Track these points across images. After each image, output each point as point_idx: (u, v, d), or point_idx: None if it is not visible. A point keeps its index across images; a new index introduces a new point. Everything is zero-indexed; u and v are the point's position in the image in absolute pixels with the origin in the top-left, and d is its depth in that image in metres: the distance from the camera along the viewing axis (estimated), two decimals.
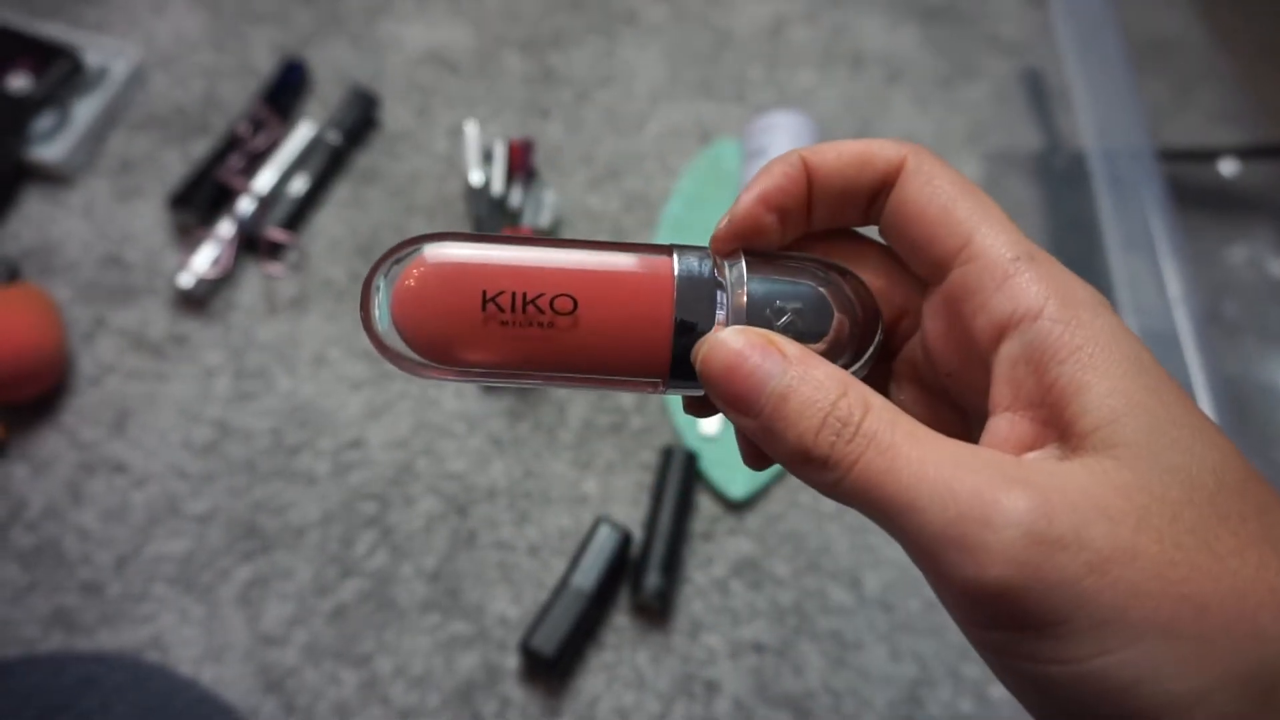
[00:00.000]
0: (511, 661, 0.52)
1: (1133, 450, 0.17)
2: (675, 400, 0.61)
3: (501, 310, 0.21)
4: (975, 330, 0.20)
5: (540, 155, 0.71)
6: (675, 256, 0.22)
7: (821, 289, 0.22)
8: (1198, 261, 0.72)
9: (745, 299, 0.22)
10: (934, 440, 0.18)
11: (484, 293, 0.21)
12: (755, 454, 0.23)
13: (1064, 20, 0.59)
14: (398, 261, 0.22)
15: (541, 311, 0.21)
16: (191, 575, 0.53)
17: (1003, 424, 0.19)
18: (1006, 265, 0.20)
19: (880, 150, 0.22)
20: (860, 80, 0.79)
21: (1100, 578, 0.17)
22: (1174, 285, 0.44)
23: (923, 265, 0.22)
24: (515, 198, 0.64)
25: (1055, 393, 0.18)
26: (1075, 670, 0.17)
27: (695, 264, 0.22)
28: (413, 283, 0.21)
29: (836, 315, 0.22)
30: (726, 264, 0.23)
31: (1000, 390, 0.20)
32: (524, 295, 0.21)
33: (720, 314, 0.22)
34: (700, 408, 0.24)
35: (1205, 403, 0.41)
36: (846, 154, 0.22)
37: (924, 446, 0.18)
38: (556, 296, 0.21)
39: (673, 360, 0.22)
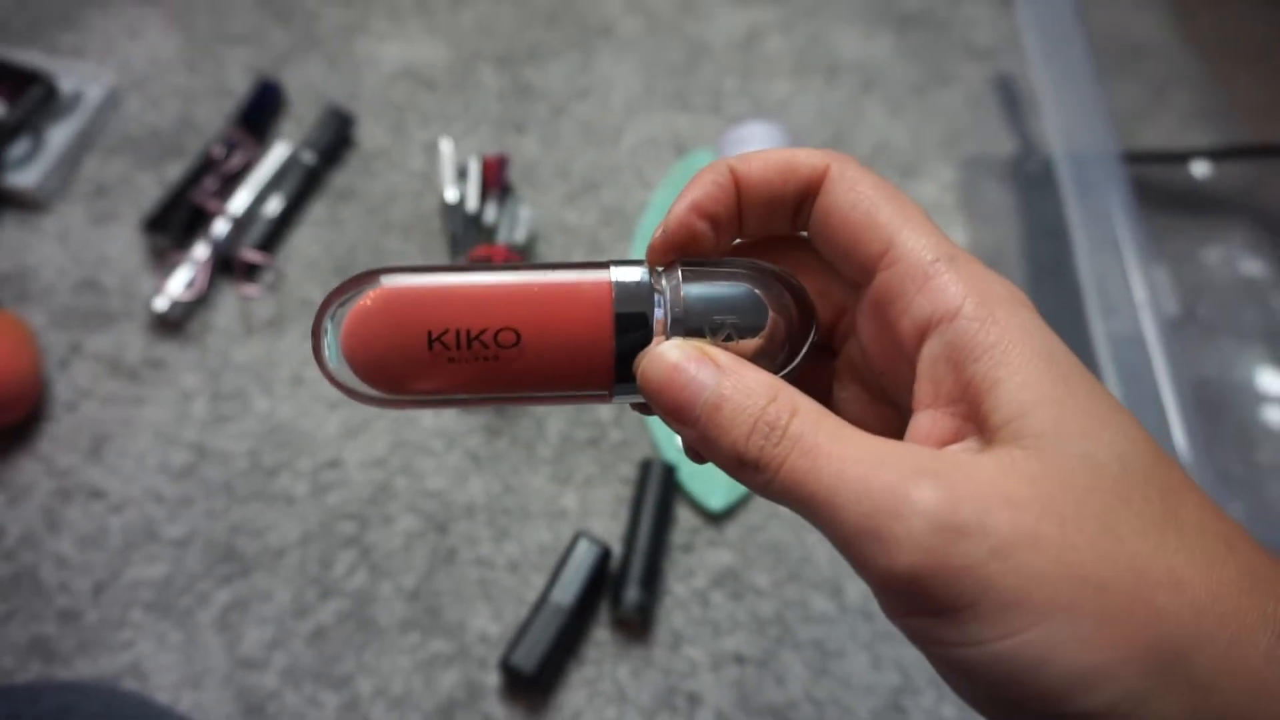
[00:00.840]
0: (492, 679, 0.52)
1: (1041, 441, 0.18)
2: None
3: (447, 348, 0.22)
4: (900, 332, 0.21)
5: (516, 170, 0.71)
6: (612, 271, 0.23)
7: (756, 290, 0.23)
8: (1172, 263, 0.72)
9: (682, 307, 0.23)
10: (856, 439, 0.19)
11: (429, 333, 0.22)
12: (696, 451, 0.24)
13: (1030, 26, 0.59)
14: (343, 304, 0.23)
15: (486, 346, 0.22)
16: (169, 600, 0.53)
17: (925, 420, 0.20)
18: (927, 267, 0.20)
19: (805, 159, 0.22)
20: (835, 89, 0.80)
21: (1003, 562, 0.17)
22: (1141, 288, 0.45)
23: (850, 269, 0.23)
24: (490, 214, 0.64)
25: (972, 389, 0.19)
26: (986, 652, 0.17)
27: (633, 276, 0.23)
28: (359, 325, 0.22)
29: (771, 315, 0.23)
30: (663, 274, 0.23)
31: (923, 388, 0.20)
32: (468, 332, 0.22)
33: (658, 320, 0.23)
34: (649, 408, 0.25)
35: (1172, 404, 0.41)
36: (771, 162, 0.23)
37: (845, 445, 0.19)
38: (500, 330, 0.23)
39: (616, 371, 0.23)
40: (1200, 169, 0.77)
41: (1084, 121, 0.53)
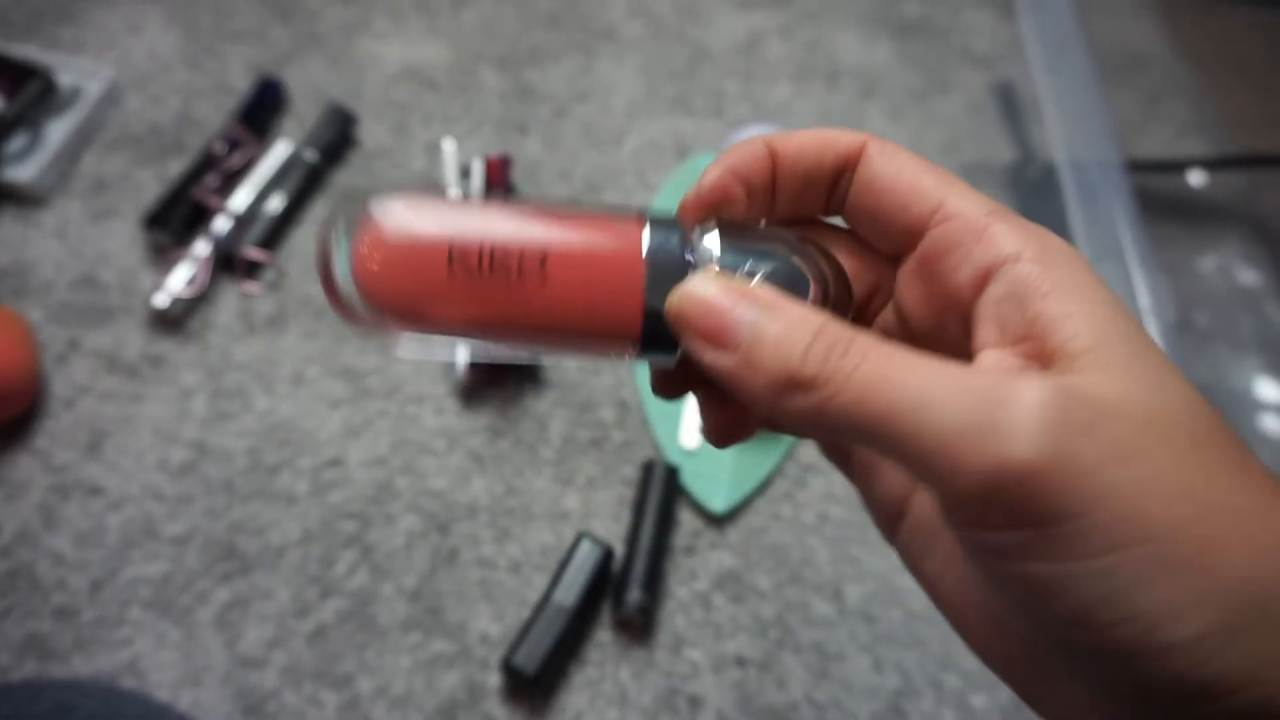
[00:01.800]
0: (494, 680, 0.52)
1: (1122, 371, 0.17)
2: (656, 414, 0.61)
3: (468, 266, 0.20)
4: (956, 283, 0.20)
5: (518, 171, 0.71)
6: (647, 222, 0.22)
7: (795, 259, 0.22)
8: (1169, 271, 0.73)
9: (717, 266, 0.21)
10: (930, 356, 0.18)
11: (450, 248, 0.20)
12: (670, 383, 0.23)
13: (1033, 34, 0.60)
14: (357, 215, 0.21)
15: (509, 268, 0.20)
16: (168, 598, 0.53)
17: (990, 358, 0.19)
18: (982, 219, 0.20)
19: (841, 135, 0.22)
20: (836, 94, 0.80)
21: (1122, 470, 0.16)
22: (1144, 295, 0.45)
23: (894, 235, 0.22)
24: None
25: (1040, 324, 0.18)
26: (1085, 568, 0.16)
27: (667, 230, 0.22)
28: (375, 236, 0.20)
29: (812, 284, 0.21)
30: (698, 231, 0.22)
31: (986, 330, 0.20)
32: (491, 251, 0.20)
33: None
34: (668, 385, 0.23)
35: None
36: (809, 137, 0.23)
37: (922, 357, 0.18)
38: (525, 251, 0.21)
39: (644, 323, 0.21)
40: (1196, 178, 0.78)
41: (1086, 129, 0.53)
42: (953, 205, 0.21)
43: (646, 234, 0.21)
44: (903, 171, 0.22)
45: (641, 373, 0.62)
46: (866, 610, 0.56)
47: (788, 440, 0.61)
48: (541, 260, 0.21)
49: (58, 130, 0.67)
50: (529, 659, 0.50)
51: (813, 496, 0.60)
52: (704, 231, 0.22)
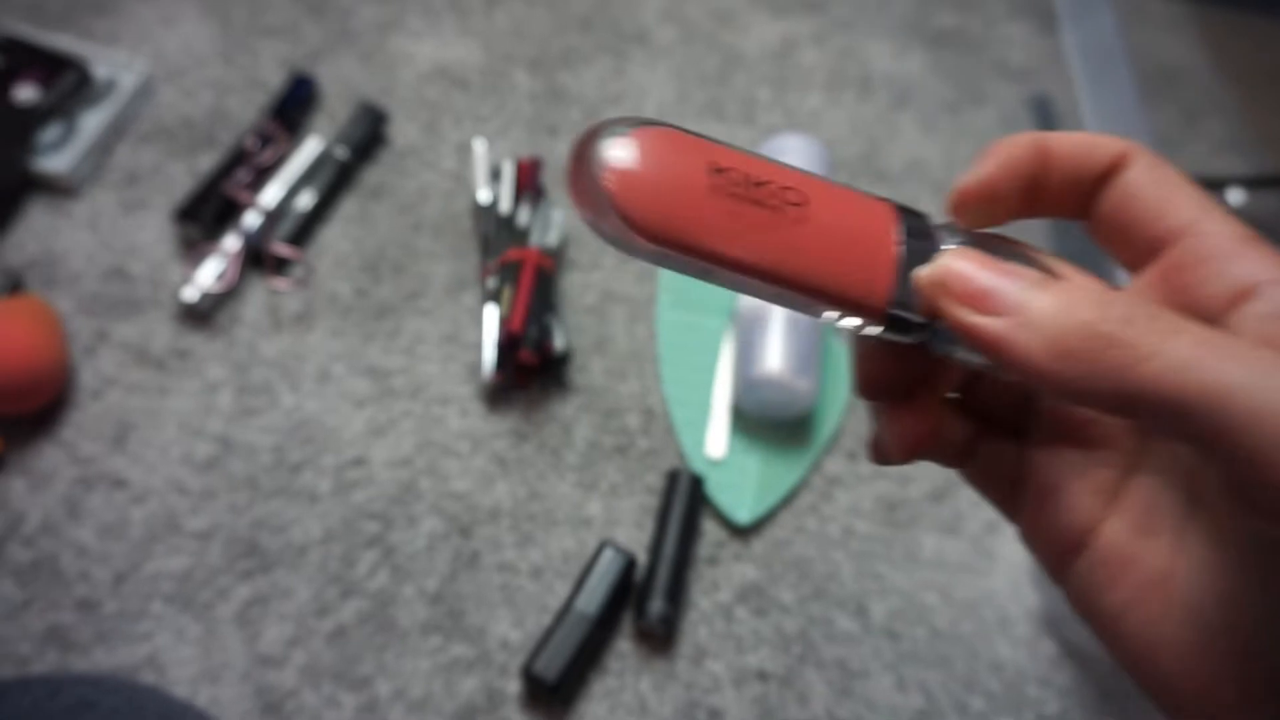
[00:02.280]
0: (513, 686, 0.52)
1: None
2: (682, 422, 0.60)
3: (730, 183, 0.20)
4: (1205, 295, 0.20)
5: (548, 174, 0.71)
6: (896, 207, 0.22)
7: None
8: None
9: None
10: (1246, 341, 0.18)
11: (714, 163, 0.20)
12: (882, 380, 0.23)
13: (1076, 48, 0.59)
14: (618, 126, 0.20)
15: (770, 196, 0.20)
16: (190, 593, 0.53)
17: None
18: (1240, 240, 0.20)
19: (1108, 140, 0.22)
20: (868, 104, 0.79)
21: None
22: None
23: (1140, 244, 0.22)
24: (523, 216, 0.64)
25: None
26: None
27: (915, 217, 0.22)
28: (636, 142, 0.20)
29: None
30: (947, 229, 0.22)
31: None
32: (753, 176, 0.20)
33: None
34: (878, 381, 0.23)
35: None
36: (1080, 139, 0.22)
37: (1240, 340, 0.18)
38: (789, 187, 0.20)
39: (894, 293, 0.21)
40: (1234, 197, 0.76)
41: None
42: (1208, 223, 0.21)
43: (898, 213, 0.22)
44: (1165, 181, 0.21)
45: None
46: (891, 627, 0.55)
47: (814, 452, 0.60)
48: (802, 201, 0.20)
49: (91, 122, 0.68)
50: (549, 667, 0.50)
51: (838, 510, 0.59)
52: (952, 231, 0.22)
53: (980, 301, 0.19)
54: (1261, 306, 0.19)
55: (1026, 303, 0.19)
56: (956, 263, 0.20)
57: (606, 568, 0.53)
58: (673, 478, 0.57)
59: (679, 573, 0.54)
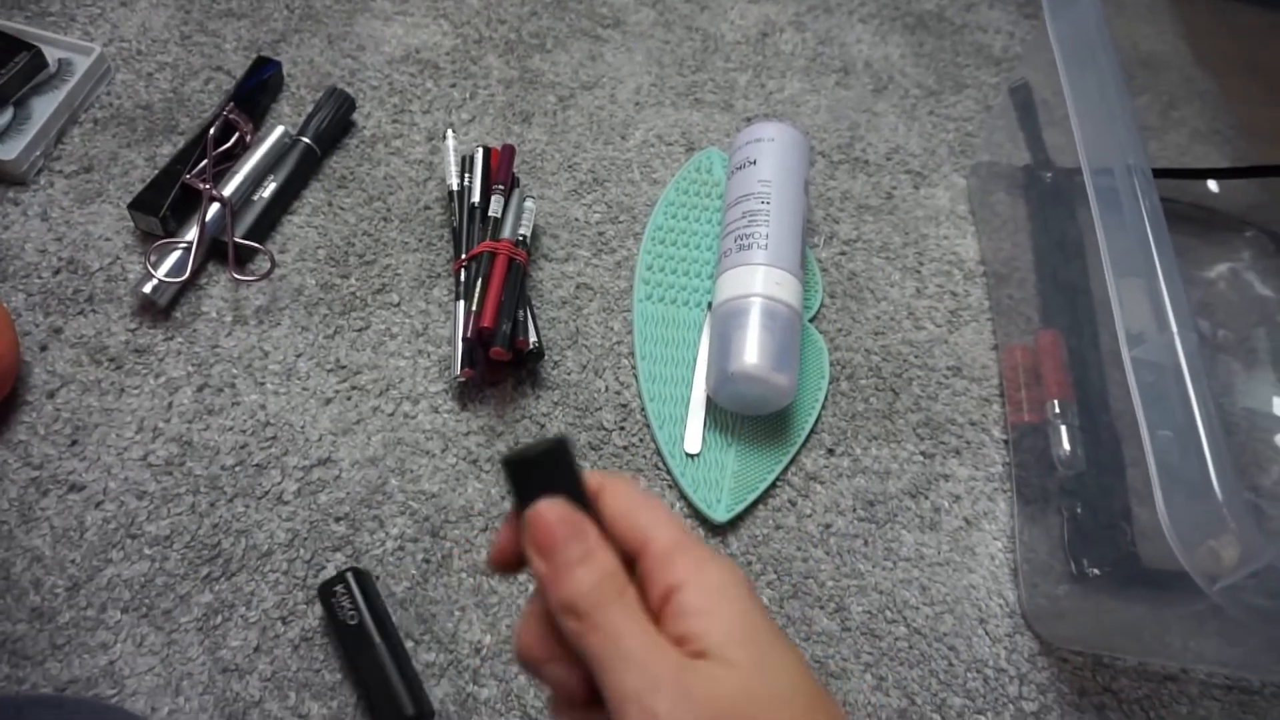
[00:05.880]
0: (485, 692, 0.50)
1: (744, 660, 0.26)
2: (658, 417, 0.59)
3: None
4: (654, 593, 0.28)
5: (521, 162, 0.69)
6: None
7: None
8: (1183, 282, 0.71)
9: None
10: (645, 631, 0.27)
11: None
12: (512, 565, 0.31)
13: (1059, 35, 0.58)
14: None
15: None
16: (149, 601, 0.51)
17: (671, 655, 0.27)
18: (672, 549, 0.28)
19: (590, 476, 0.30)
20: (847, 89, 0.78)
21: None
22: (1174, 310, 0.43)
23: (633, 549, 0.29)
24: (495, 206, 0.62)
25: (691, 632, 0.27)
26: None
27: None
28: None
29: None
30: None
31: (667, 632, 0.28)
32: None
33: None
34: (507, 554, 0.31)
35: (1204, 433, 0.40)
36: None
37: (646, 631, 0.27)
38: None
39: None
40: (1210, 187, 0.76)
41: (1113, 135, 0.51)
42: (656, 534, 0.28)
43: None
44: (626, 510, 0.29)
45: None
46: (870, 627, 0.54)
47: (792, 447, 0.59)
48: None
49: (43, 107, 0.65)
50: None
51: (817, 506, 0.58)
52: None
53: (544, 550, 0.28)
54: (670, 608, 0.27)
55: (564, 566, 0.27)
56: (546, 511, 0.28)
57: None
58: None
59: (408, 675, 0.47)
